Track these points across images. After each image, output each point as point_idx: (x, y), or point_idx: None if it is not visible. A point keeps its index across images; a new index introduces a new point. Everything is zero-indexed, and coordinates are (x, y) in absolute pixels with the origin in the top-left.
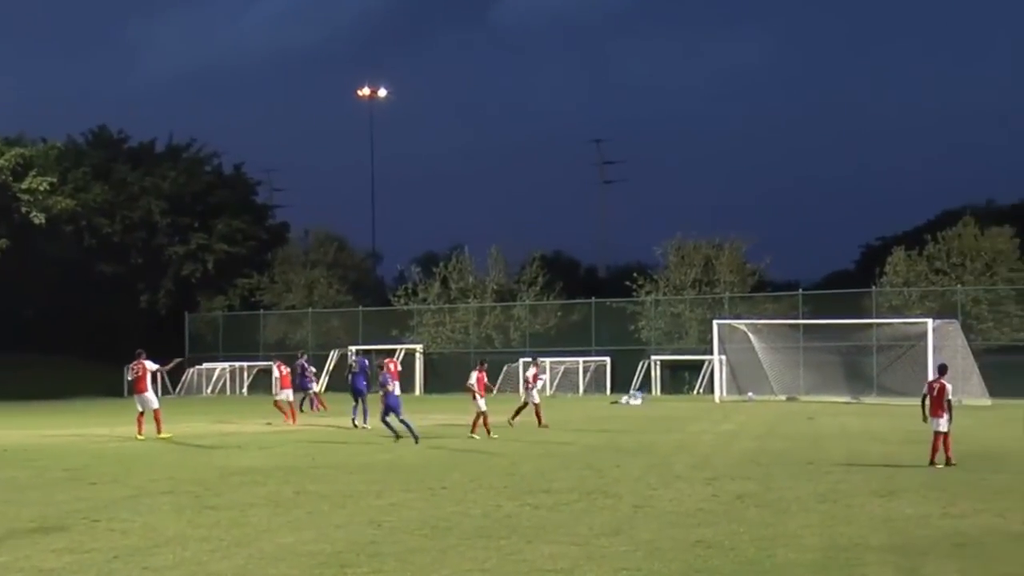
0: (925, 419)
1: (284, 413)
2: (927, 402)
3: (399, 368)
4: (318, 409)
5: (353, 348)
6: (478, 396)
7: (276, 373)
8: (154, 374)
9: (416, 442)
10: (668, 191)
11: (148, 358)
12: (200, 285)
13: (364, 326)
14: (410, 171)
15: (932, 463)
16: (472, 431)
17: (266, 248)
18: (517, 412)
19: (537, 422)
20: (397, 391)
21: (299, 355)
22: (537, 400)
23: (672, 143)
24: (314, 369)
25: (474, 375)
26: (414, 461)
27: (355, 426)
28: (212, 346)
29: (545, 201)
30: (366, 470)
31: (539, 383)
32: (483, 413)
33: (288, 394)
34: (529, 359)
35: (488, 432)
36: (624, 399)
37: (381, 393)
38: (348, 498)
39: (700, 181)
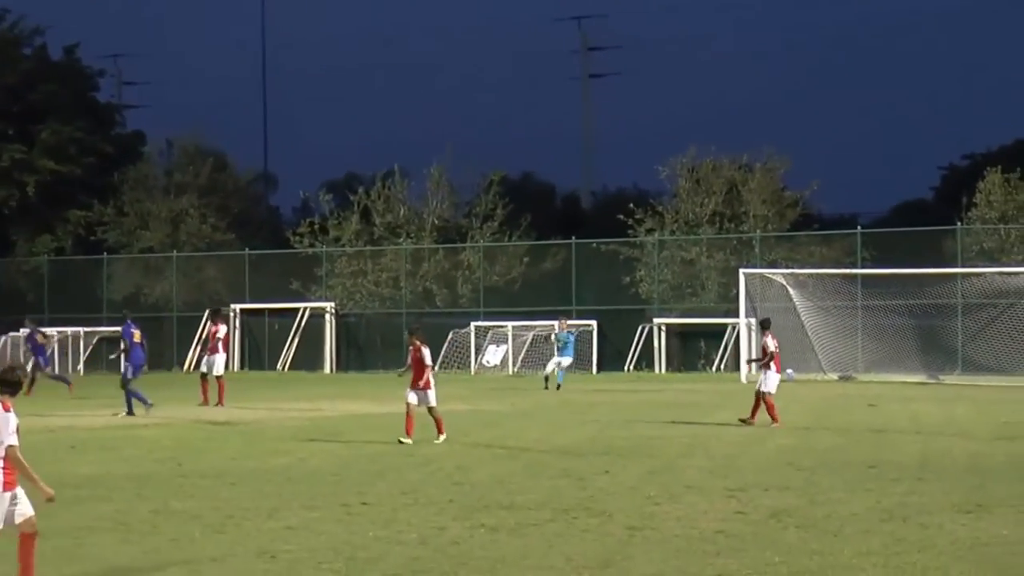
0: None
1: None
2: None
3: (219, 335)
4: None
5: (237, 307)
6: (768, 369)
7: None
8: None
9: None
10: (678, 89)
11: None
12: (17, 218)
13: (252, 276)
14: (319, 62)
15: None
16: (751, 417)
17: (112, 167)
18: (755, 409)
19: (771, 419)
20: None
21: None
22: (771, 388)
23: (685, 22)
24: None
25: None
26: (322, 466)
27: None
28: (34, 304)
29: (508, 104)
30: (255, 479)
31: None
32: (769, 395)
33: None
34: (763, 319)
35: (774, 419)
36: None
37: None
38: (228, 519)
39: (723, 76)
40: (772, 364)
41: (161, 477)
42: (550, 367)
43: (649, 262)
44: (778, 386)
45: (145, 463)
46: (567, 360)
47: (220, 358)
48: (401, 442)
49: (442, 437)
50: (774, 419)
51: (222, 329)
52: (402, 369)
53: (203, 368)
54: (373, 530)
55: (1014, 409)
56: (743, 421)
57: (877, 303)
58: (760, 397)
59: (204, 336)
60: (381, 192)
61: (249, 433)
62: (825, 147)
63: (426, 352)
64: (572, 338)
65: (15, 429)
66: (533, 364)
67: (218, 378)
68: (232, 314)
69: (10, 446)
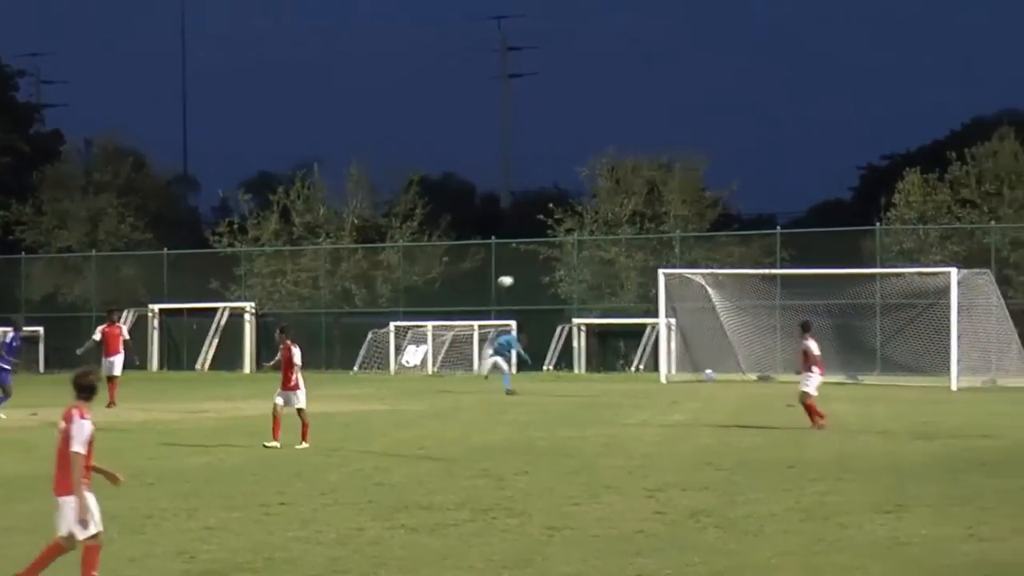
0: None
1: None
2: None
3: (125, 336)
4: None
5: (156, 307)
6: (811, 372)
7: None
8: None
9: None
10: (597, 90)
11: None
12: None
13: (171, 275)
14: (238, 61)
15: None
16: (819, 418)
17: (30, 166)
18: (812, 414)
19: (810, 421)
20: None
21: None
22: (812, 390)
23: (604, 24)
24: None
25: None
26: (241, 466)
27: None
28: None
29: (427, 103)
30: (173, 479)
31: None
32: (810, 396)
33: None
34: (803, 322)
35: (818, 420)
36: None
37: None
38: (147, 519)
39: (641, 77)
40: (814, 367)
41: None
42: (489, 366)
43: (568, 262)
44: (818, 388)
45: None
46: (501, 360)
47: (120, 358)
48: (266, 447)
49: (304, 444)
50: (819, 417)
51: (125, 330)
52: (272, 362)
53: (104, 371)
54: (292, 530)
55: (932, 409)
56: (815, 427)
57: (796, 303)
58: (803, 399)
59: (102, 337)
60: (300, 192)
61: (167, 433)
62: (744, 147)
63: (296, 352)
64: (512, 341)
65: (86, 439)
66: (452, 364)
67: (115, 378)
68: (151, 314)
69: (74, 451)
